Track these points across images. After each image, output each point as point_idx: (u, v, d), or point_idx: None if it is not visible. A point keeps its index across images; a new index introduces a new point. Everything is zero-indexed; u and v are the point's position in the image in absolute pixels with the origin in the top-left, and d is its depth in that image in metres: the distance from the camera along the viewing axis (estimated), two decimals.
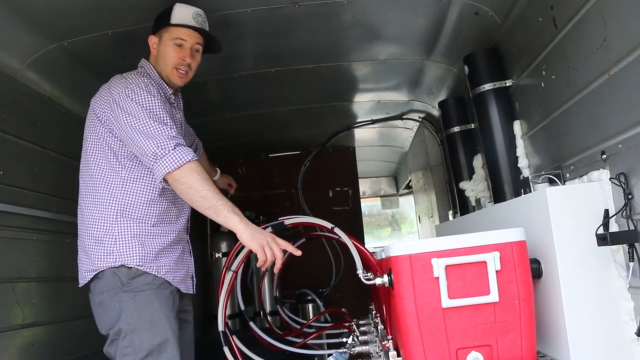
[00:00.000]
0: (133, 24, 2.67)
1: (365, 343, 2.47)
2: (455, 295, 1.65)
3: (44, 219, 2.84)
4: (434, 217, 4.72)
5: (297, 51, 3.32)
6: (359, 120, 4.91)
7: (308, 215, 4.91)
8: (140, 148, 2.16)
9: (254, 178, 5.64)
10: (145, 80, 2.30)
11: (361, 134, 5.38)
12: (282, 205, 5.66)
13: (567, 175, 2.17)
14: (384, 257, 1.92)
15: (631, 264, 1.71)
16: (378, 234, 8.76)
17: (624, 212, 1.71)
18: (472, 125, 3.48)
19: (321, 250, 5.22)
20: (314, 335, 3.08)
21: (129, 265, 2.21)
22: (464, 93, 3.49)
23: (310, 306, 4.98)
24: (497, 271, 1.65)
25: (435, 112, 4.20)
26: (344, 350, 2.41)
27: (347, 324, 2.91)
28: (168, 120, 2.21)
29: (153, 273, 2.24)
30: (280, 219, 2.33)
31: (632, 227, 1.69)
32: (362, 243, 2.32)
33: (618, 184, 1.74)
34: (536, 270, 1.91)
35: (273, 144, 5.51)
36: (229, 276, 2.29)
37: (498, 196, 2.79)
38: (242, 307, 3.10)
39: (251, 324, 2.91)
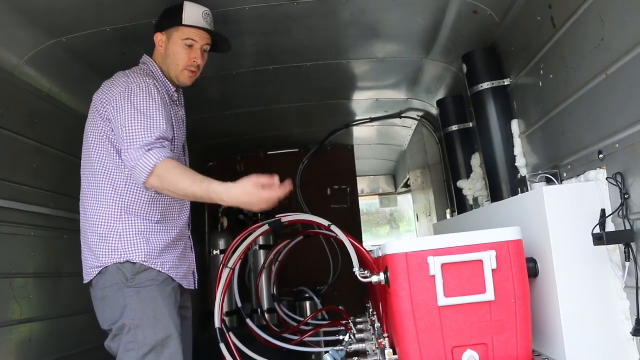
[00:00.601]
0: (132, 20, 2.66)
1: (362, 341, 2.47)
2: (452, 294, 1.66)
3: (42, 214, 2.84)
4: (432, 216, 4.72)
5: (296, 49, 3.32)
6: (357, 118, 4.91)
7: (306, 213, 4.90)
8: (123, 154, 2.18)
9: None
10: (148, 81, 2.27)
11: (360, 132, 5.38)
12: (280, 202, 5.64)
13: (564, 174, 2.17)
14: (380, 255, 1.92)
15: (627, 263, 1.71)
16: (376, 233, 8.75)
17: (621, 211, 1.72)
18: (471, 124, 3.47)
19: (319, 248, 5.22)
20: (311, 333, 3.09)
21: (134, 261, 2.21)
22: (462, 92, 3.48)
23: (307, 304, 4.98)
24: (493, 270, 1.65)
25: (434, 111, 4.20)
26: (341, 348, 2.42)
27: (344, 322, 2.92)
28: (160, 124, 2.18)
29: (157, 269, 2.24)
30: (277, 216, 2.34)
31: (628, 227, 1.69)
32: (360, 241, 2.32)
33: (615, 183, 1.74)
34: (532, 270, 1.91)
35: (271, 141, 5.50)
36: (226, 273, 2.30)
37: (495, 195, 2.79)
38: (240, 305, 3.11)
39: (248, 321, 2.92)
